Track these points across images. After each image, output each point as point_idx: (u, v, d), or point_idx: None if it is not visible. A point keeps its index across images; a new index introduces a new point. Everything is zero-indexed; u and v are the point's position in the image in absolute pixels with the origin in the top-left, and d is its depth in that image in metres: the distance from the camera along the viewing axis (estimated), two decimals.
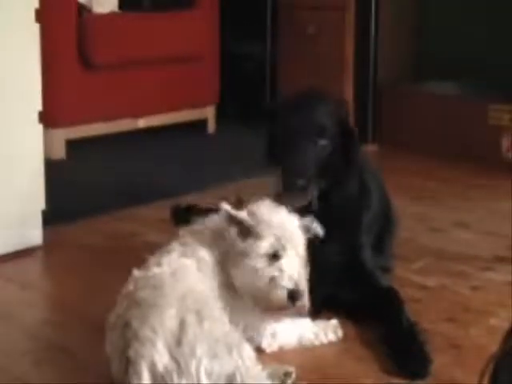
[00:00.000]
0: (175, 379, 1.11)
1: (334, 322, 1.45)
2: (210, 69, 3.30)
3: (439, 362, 1.32)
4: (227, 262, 1.32)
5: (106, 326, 1.23)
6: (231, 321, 1.24)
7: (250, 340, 1.30)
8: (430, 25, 3.25)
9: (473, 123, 2.89)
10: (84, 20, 2.84)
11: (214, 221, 1.38)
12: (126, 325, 1.17)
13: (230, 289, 1.31)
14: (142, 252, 1.35)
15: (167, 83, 3.10)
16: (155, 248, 1.36)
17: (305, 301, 1.29)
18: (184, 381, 1.11)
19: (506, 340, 0.99)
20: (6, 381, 1.29)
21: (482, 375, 0.96)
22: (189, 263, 1.30)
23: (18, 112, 1.86)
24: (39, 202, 1.93)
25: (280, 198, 1.42)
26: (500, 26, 3.01)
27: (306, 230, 1.36)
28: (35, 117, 1.89)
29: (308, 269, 1.34)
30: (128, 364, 1.13)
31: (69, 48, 2.79)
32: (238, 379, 1.13)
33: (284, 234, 1.31)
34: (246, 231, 1.31)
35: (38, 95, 1.89)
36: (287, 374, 1.26)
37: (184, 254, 1.31)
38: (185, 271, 1.27)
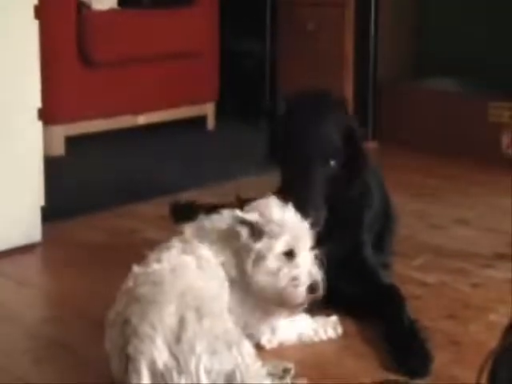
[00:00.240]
0: (175, 376, 1.11)
1: (333, 318, 1.46)
2: (210, 66, 3.30)
3: (439, 358, 1.32)
4: (241, 262, 1.32)
5: (106, 322, 1.23)
6: (232, 318, 1.24)
7: (249, 337, 1.30)
8: (430, 25, 3.25)
9: (473, 120, 2.89)
10: (83, 17, 2.84)
11: (222, 219, 1.39)
12: (126, 322, 1.17)
13: (233, 286, 1.32)
14: (141, 248, 1.35)
15: (167, 80, 3.10)
16: (155, 245, 1.36)
17: (321, 290, 1.33)
18: (183, 378, 1.11)
19: (505, 336, 0.99)
20: (7, 381, 1.28)
21: (481, 371, 0.96)
22: (189, 260, 1.30)
23: (18, 109, 1.86)
24: (38, 199, 1.93)
25: (283, 195, 1.42)
26: (500, 25, 3.01)
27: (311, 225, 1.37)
28: (34, 113, 1.89)
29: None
30: (127, 361, 1.13)
31: (68, 45, 2.79)
32: (238, 376, 1.13)
33: (296, 231, 1.33)
34: (258, 232, 1.32)
35: (38, 92, 1.89)
36: (286, 371, 1.26)
37: (184, 251, 1.31)
38: (184, 268, 1.27)
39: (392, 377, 1.29)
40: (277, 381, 1.22)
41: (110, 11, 2.96)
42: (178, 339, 1.13)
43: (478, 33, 3.05)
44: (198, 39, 3.18)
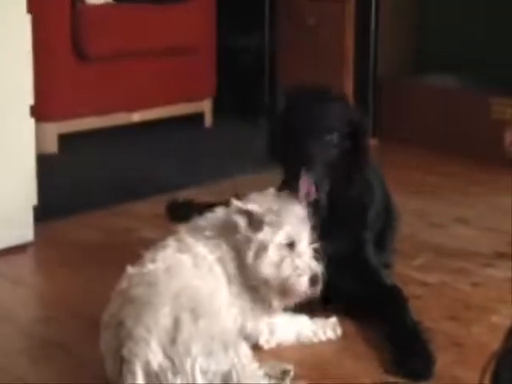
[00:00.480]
0: (170, 378, 1.11)
1: (333, 319, 1.45)
2: (207, 61, 3.29)
3: (441, 359, 1.32)
4: (239, 255, 1.33)
5: (100, 324, 1.23)
6: (231, 316, 1.25)
7: (247, 337, 1.30)
8: (430, 24, 3.24)
9: (474, 117, 2.88)
10: (77, 11, 2.82)
11: (215, 216, 1.39)
12: (120, 324, 1.17)
13: (231, 282, 1.32)
14: (136, 248, 1.34)
15: (163, 76, 3.09)
16: (150, 244, 1.36)
17: (321, 284, 1.34)
18: (179, 379, 1.11)
19: (508, 338, 0.99)
20: (6, 381, 1.28)
21: (483, 372, 0.96)
22: (184, 258, 1.29)
23: (10, 105, 1.85)
24: (31, 198, 1.92)
25: (284, 189, 1.42)
26: (500, 25, 3.01)
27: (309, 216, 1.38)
28: (27, 110, 1.88)
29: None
30: (122, 363, 1.13)
31: (62, 39, 2.78)
32: (234, 378, 1.13)
33: (295, 221, 1.34)
34: (258, 222, 1.32)
35: (30, 88, 1.88)
36: (285, 372, 1.26)
37: (179, 250, 1.31)
38: (180, 267, 1.27)
39: (392, 379, 1.29)
40: (274, 381, 1.22)
41: (105, 5, 2.95)
42: (173, 341, 1.12)
43: (477, 32, 3.05)
44: (194, 34, 3.17)
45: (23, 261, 1.87)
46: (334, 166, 1.50)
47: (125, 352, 1.13)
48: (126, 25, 2.94)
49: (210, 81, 3.32)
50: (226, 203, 1.40)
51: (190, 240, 1.33)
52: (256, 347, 1.33)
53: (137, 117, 3.08)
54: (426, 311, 1.52)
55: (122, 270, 1.29)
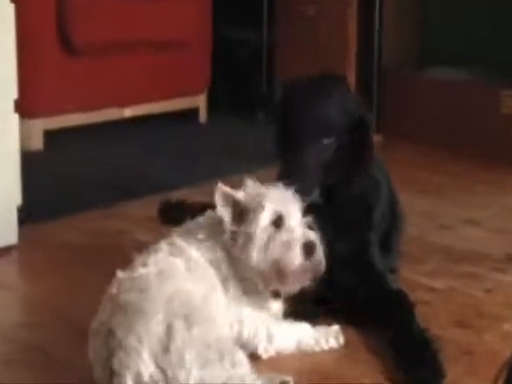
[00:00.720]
0: None
1: (335, 327, 1.44)
2: (201, 55, 3.27)
3: (451, 369, 1.31)
4: (230, 253, 1.31)
5: (89, 331, 1.21)
6: (227, 323, 1.23)
7: (244, 345, 1.28)
8: (434, 21, 3.24)
9: (483, 111, 2.87)
10: None
11: (206, 218, 1.38)
12: (110, 332, 1.15)
13: (226, 284, 1.31)
14: (128, 251, 1.33)
15: (155, 70, 3.07)
16: (142, 247, 1.35)
17: (320, 254, 1.30)
18: None
19: None
20: None
21: (495, 381, 0.94)
22: (177, 262, 1.28)
23: None
24: (15, 198, 1.90)
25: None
26: (503, 22, 3.01)
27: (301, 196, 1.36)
28: (10, 106, 1.86)
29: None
30: (112, 374, 1.12)
31: (47, 28, 2.74)
32: None
33: (281, 197, 1.32)
34: (243, 212, 1.31)
35: (14, 82, 1.86)
36: (284, 383, 1.24)
37: (172, 253, 1.30)
38: (172, 271, 1.26)
39: None
40: None
41: None
42: (165, 349, 1.11)
43: (481, 29, 3.05)
44: (188, 26, 3.15)
45: (7, 264, 1.85)
46: (333, 165, 1.49)
47: (115, 363, 1.12)
48: (115, 14, 2.91)
49: (205, 75, 3.30)
50: None
51: (182, 243, 1.32)
52: (253, 356, 1.31)
53: (128, 112, 3.06)
54: (434, 318, 1.51)
55: (111, 274, 1.27)
